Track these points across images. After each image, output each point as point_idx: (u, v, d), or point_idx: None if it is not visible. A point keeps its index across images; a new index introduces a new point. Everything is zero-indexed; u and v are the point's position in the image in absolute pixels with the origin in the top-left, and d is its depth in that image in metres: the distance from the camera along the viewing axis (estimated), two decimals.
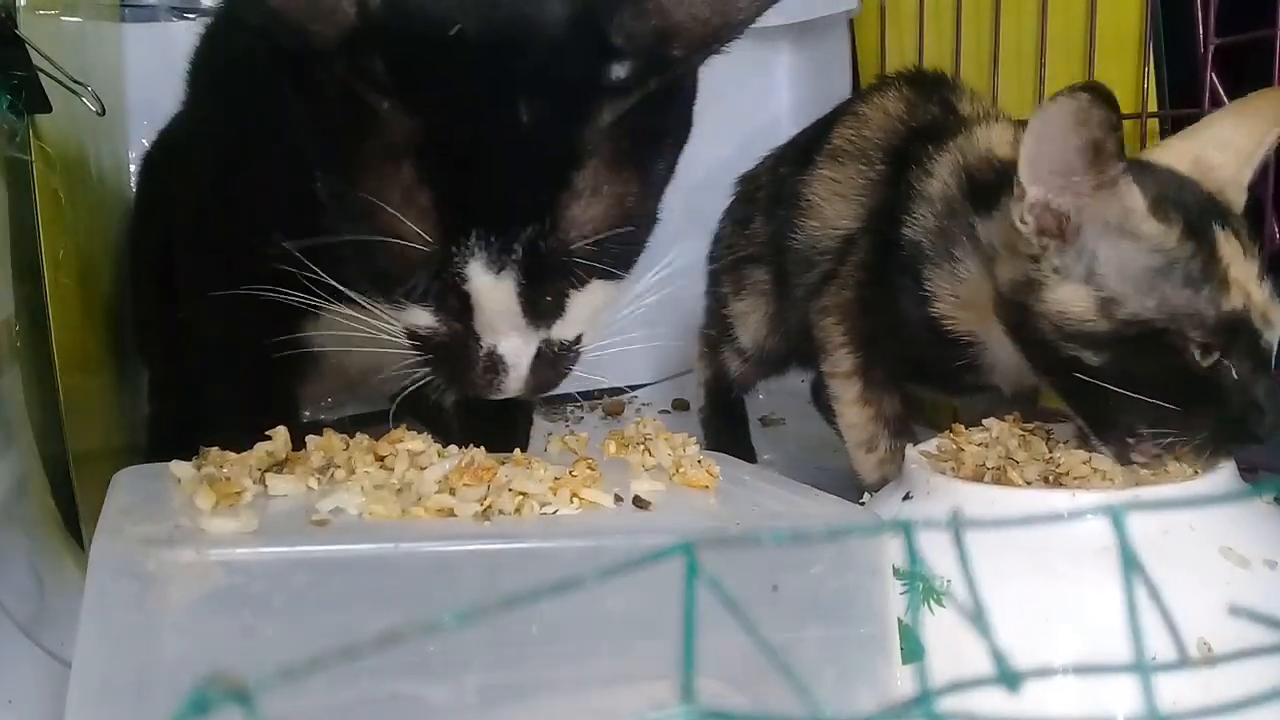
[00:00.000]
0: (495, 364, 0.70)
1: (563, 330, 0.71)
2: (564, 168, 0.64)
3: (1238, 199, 0.85)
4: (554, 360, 0.72)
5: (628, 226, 0.68)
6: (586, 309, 0.71)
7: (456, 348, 0.70)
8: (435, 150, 0.63)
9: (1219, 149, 0.86)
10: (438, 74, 0.62)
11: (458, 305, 0.68)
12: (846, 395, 1.06)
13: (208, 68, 0.94)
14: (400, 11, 0.62)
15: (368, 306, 0.71)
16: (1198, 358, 0.78)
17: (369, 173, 0.64)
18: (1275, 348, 0.80)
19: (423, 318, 0.70)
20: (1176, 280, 0.78)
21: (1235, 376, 0.78)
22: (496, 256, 0.64)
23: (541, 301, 0.69)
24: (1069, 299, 0.81)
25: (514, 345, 0.69)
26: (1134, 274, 0.79)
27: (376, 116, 0.63)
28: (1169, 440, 0.79)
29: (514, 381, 0.70)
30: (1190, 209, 0.81)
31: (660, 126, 0.70)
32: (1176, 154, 0.88)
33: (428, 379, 0.73)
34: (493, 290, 0.66)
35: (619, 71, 0.63)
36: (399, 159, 0.63)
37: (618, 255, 0.69)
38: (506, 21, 0.63)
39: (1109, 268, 0.79)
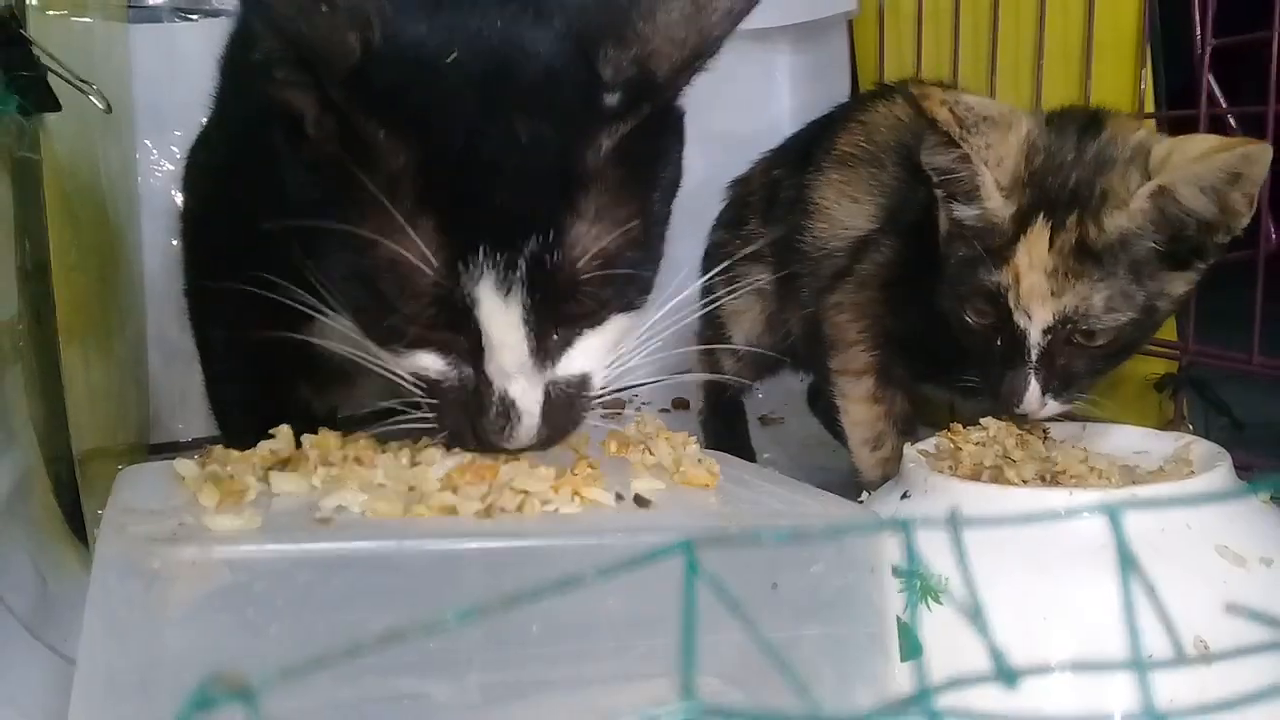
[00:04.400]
0: (508, 410, 0.66)
1: (569, 366, 0.68)
2: (564, 186, 0.63)
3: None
4: (568, 405, 0.69)
5: (634, 254, 0.67)
6: (600, 346, 0.69)
7: (468, 394, 0.67)
8: (434, 174, 0.62)
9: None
10: (435, 101, 0.63)
11: (467, 345, 0.66)
12: (855, 392, 1.07)
13: (228, 69, 0.93)
14: (401, 45, 0.63)
15: (370, 354, 0.70)
16: (967, 314, 0.90)
17: (369, 208, 0.63)
18: (1034, 337, 0.86)
19: (430, 361, 0.68)
20: (983, 244, 0.88)
21: (997, 343, 0.88)
22: (504, 275, 0.62)
23: (548, 334, 0.66)
24: (942, 220, 0.94)
25: (522, 387, 0.66)
26: (967, 225, 0.91)
27: (373, 148, 0.62)
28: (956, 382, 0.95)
29: (526, 430, 0.67)
30: (1040, 191, 0.87)
31: (656, 159, 0.70)
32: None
33: (431, 425, 0.70)
34: (503, 314, 0.64)
35: (610, 100, 0.64)
36: (398, 188, 0.63)
37: (628, 285, 0.68)
38: (500, 50, 0.64)
39: (959, 215, 0.91)
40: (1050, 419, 0.92)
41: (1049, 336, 0.86)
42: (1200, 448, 0.85)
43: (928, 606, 0.70)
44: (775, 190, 1.21)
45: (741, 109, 1.74)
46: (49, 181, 0.94)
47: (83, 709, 0.54)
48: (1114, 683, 0.65)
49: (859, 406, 1.07)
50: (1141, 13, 1.21)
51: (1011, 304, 0.86)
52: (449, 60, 0.63)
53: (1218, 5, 1.13)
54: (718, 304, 1.28)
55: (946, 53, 1.42)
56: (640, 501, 0.68)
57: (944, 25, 1.44)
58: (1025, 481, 0.80)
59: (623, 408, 1.61)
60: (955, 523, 0.36)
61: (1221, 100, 1.15)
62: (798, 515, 0.71)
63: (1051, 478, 0.81)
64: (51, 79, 0.89)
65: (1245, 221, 0.86)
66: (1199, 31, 1.14)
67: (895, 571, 0.68)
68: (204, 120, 0.97)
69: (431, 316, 0.65)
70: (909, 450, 0.86)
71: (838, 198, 1.11)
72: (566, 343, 0.68)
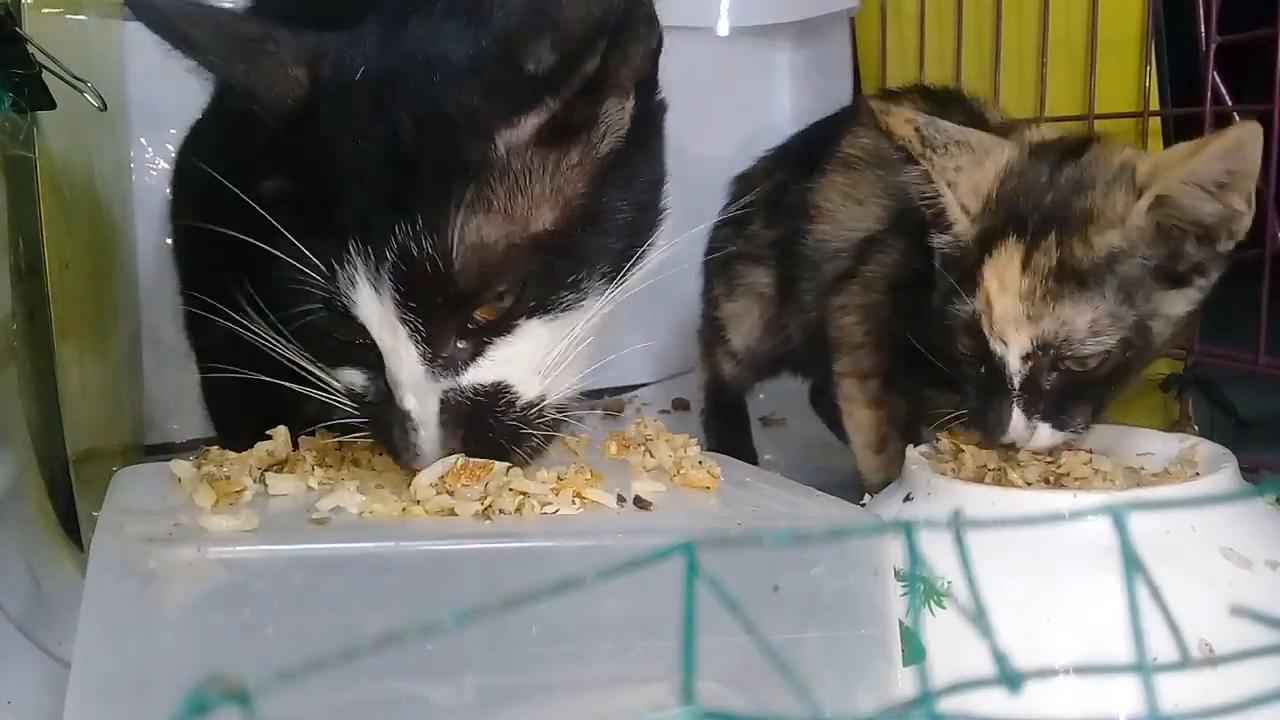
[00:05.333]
0: (404, 421, 0.66)
1: (479, 375, 0.67)
2: (443, 179, 0.63)
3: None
4: (481, 417, 0.67)
5: (542, 252, 0.66)
6: (517, 355, 0.67)
7: (384, 407, 0.67)
8: (325, 184, 0.64)
9: None
10: (340, 117, 0.65)
11: (376, 357, 0.66)
12: (860, 395, 1.06)
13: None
14: (343, 73, 0.65)
15: (316, 370, 0.70)
16: (957, 346, 0.87)
17: (270, 227, 0.65)
18: (1013, 364, 0.82)
19: (355, 377, 0.69)
20: (957, 271, 0.86)
21: (981, 370, 0.85)
22: (375, 269, 0.63)
23: (445, 340, 0.65)
24: (936, 259, 0.91)
25: (416, 397, 0.65)
26: (946, 254, 0.88)
27: (299, 169, 0.65)
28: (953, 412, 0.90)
29: (427, 443, 0.66)
30: (1010, 212, 0.84)
31: (592, 158, 0.68)
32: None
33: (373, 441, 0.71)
34: (378, 308, 0.64)
35: (519, 92, 0.64)
36: (305, 202, 0.65)
37: (535, 284, 0.66)
38: (411, 61, 0.66)
39: (937, 244, 0.89)
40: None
41: (1029, 363, 0.82)
42: (1206, 449, 0.85)
43: (931, 610, 0.69)
44: (780, 193, 1.21)
45: (742, 106, 1.74)
46: (43, 180, 0.93)
47: (78, 710, 0.53)
48: (1118, 686, 0.64)
49: (863, 410, 1.06)
50: (1146, 10, 1.20)
51: (986, 330, 0.83)
52: (357, 77, 0.65)
53: (1222, 2, 1.13)
54: (715, 307, 1.28)
55: (949, 50, 1.42)
56: (641, 503, 0.67)
57: (947, 22, 1.43)
58: (1029, 484, 0.79)
59: (622, 409, 1.61)
60: (958, 525, 0.35)
61: (1227, 98, 1.14)
62: (799, 517, 0.71)
63: (1055, 480, 0.81)
64: (46, 76, 0.89)
65: (1247, 222, 0.82)
66: (1204, 28, 1.14)
67: (898, 575, 0.67)
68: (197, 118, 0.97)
69: (334, 324, 0.66)
70: (911, 452, 0.86)
71: (842, 200, 1.10)
72: (476, 352, 0.66)
